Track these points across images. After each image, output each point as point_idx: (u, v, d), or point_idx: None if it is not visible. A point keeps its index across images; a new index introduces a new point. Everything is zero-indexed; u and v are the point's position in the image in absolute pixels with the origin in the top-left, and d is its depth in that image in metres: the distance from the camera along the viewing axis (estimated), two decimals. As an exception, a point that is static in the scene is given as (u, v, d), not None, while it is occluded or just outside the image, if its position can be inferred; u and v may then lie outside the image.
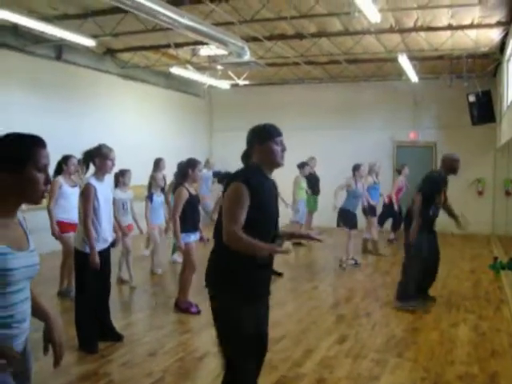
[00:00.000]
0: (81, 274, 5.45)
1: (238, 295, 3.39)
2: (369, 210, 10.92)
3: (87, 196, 5.38)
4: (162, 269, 9.36)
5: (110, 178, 5.80)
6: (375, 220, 11.35)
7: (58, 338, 2.46)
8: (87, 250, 5.36)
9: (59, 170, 7.62)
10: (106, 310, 5.77)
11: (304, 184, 12.09)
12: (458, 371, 4.98)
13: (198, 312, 6.78)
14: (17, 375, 2.31)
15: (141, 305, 7.55)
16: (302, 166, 12.04)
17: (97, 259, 5.33)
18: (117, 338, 5.73)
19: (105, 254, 5.55)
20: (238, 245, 3.29)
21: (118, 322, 6.19)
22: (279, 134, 3.56)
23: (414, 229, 6.89)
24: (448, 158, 7.29)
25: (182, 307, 6.88)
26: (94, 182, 5.45)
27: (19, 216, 2.43)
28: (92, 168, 5.62)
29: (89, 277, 5.39)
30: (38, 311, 2.51)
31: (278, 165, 3.54)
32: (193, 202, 6.81)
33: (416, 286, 7.12)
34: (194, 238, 6.89)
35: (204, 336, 5.97)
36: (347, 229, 9.93)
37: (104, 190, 5.56)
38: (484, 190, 14.72)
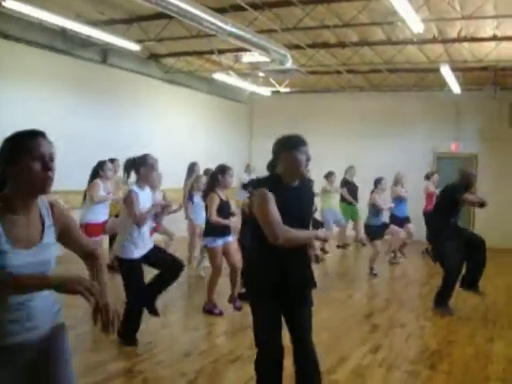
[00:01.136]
0: (128, 280, 5.60)
1: (260, 293, 3.65)
2: (401, 221, 10.91)
3: (132, 201, 5.48)
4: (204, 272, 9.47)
5: (148, 188, 5.92)
6: (411, 226, 11.26)
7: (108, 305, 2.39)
8: (127, 256, 5.50)
9: (95, 175, 7.83)
10: (161, 287, 5.85)
11: (333, 193, 12.01)
12: (493, 386, 4.93)
13: (220, 313, 6.88)
14: (31, 367, 2.35)
15: (178, 306, 7.64)
16: (329, 175, 12.00)
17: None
18: (154, 312, 5.85)
19: (150, 251, 5.70)
20: (291, 241, 3.54)
21: (154, 322, 6.29)
22: (304, 143, 3.67)
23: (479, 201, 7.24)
24: (466, 173, 7.42)
25: (206, 308, 6.99)
26: (136, 189, 5.58)
27: (42, 207, 2.45)
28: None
29: (136, 281, 5.56)
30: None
31: (301, 174, 3.67)
32: (222, 208, 6.88)
33: (451, 293, 7.29)
34: (220, 242, 6.93)
35: (238, 339, 6.03)
36: (375, 241, 10.01)
37: (145, 198, 5.67)
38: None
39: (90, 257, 2.70)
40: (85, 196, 8.18)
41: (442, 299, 7.36)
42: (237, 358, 5.41)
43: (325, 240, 3.81)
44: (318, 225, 10.78)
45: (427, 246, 12.56)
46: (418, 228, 11.78)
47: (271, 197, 3.48)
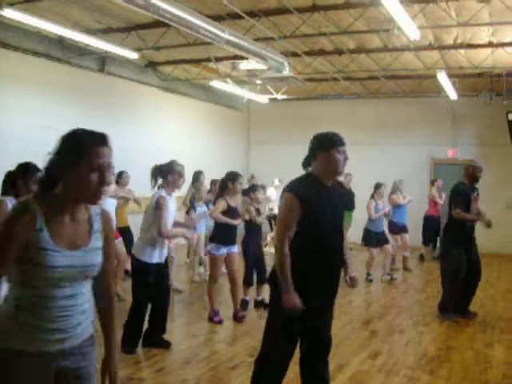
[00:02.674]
0: (137, 280, 5.68)
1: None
2: (399, 228, 10.92)
3: (162, 205, 5.52)
4: (199, 278, 9.47)
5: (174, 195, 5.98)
6: (407, 236, 11.27)
7: (114, 373, 2.49)
8: (143, 259, 5.54)
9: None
10: (163, 319, 5.88)
11: None
12: (492, 391, 4.94)
13: (220, 322, 6.89)
14: (59, 376, 2.31)
15: (177, 313, 7.65)
16: None
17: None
18: (165, 345, 5.85)
19: (162, 266, 5.73)
20: (277, 255, 3.54)
21: (153, 329, 6.33)
22: (342, 143, 3.63)
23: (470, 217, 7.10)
24: (471, 166, 7.29)
25: (208, 315, 7.01)
26: (165, 195, 5.63)
27: (93, 211, 2.40)
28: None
29: (145, 285, 5.59)
30: (103, 329, 2.56)
31: (339, 173, 3.65)
32: (229, 215, 6.89)
33: (453, 298, 7.25)
34: (224, 251, 6.95)
35: (238, 346, 6.05)
36: (372, 248, 10.04)
37: (171, 205, 5.73)
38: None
39: (103, 288, 2.55)
40: None
41: (446, 307, 7.33)
42: (237, 364, 5.42)
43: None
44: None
45: (424, 251, 12.64)
46: (414, 235, 11.84)
47: (296, 204, 3.47)
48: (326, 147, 3.58)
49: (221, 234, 6.91)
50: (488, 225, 7.29)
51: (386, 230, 10.61)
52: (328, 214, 3.58)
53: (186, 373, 5.15)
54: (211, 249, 6.96)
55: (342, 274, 3.81)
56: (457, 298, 7.31)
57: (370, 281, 9.99)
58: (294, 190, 3.55)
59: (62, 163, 2.23)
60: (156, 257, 5.61)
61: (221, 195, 6.97)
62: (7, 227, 2.20)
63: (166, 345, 5.84)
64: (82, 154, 2.20)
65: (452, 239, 7.22)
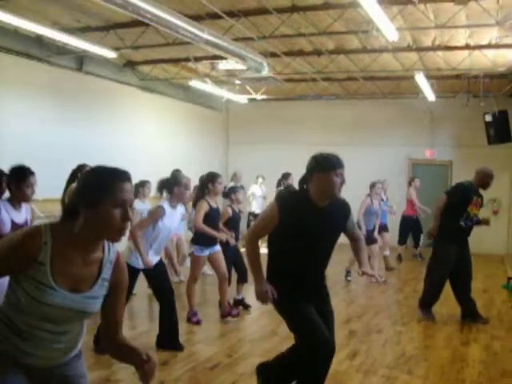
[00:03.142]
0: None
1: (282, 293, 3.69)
2: (380, 227, 10.96)
3: (154, 214, 5.59)
4: (178, 278, 9.43)
5: (181, 207, 5.97)
6: (388, 235, 11.36)
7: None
8: (132, 263, 5.54)
9: (73, 179, 7.66)
10: (171, 318, 5.87)
11: None
12: (468, 390, 4.99)
13: (198, 322, 6.90)
14: None
15: (156, 313, 7.58)
16: (284, 177, 11.26)
17: (149, 261, 5.58)
18: (177, 347, 5.83)
19: (155, 268, 5.74)
20: (247, 247, 3.73)
21: (128, 330, 6.34)
22: (341, 166, 3.64)
23: (433, 228, 7.09)
24: (482, 172, 7.24)
25: (187, 316, 7.00)
26: (167, 207, 5.66)
27: (107, 257, 2.32)
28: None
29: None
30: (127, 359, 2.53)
31: (333, 196, 3.63)
32: (211, 216, 6.88)
33: (434, 296, 7.30)
34: (207, 252, 6.95)
35: (216, 347, 6.05)
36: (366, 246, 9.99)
37: (174, 218, 5.80)
38: (499, 210, 14.67)
39: (110, 335, 2.50)
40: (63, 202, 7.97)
41: (427, 304, 7.38)
42: (215, 365, 5.41)
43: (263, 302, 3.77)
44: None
45: (400, 250, 12.73)
46: (392, 234, 11.92)
47: (274, 213, 3.56)
48: (323, 168, 3.59)
49: (203, 236, 6.88)
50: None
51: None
52: (314, 232, 3.62)
53: (164, 374, 5.12)
54: (194, 250, 6.95)
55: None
56: (462, 304, 7.33)
57: (349, 281, 10.03)
58: (281, 200, 3.64)
59: (83, 198, 2.19)
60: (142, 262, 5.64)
61: (201, 196, 6.95)
62: (8, 248, 2.14)
63: (180, 348, 5.82)
64: (105, 190, 2.16)
65: (446, 235, 7.13)
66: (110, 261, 2.33)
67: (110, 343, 2.50)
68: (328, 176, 3.55)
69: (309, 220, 3.58)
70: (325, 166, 3.59)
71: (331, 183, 3.55)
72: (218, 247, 7.11)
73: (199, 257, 6.92)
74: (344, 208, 3.81)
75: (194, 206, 7.25)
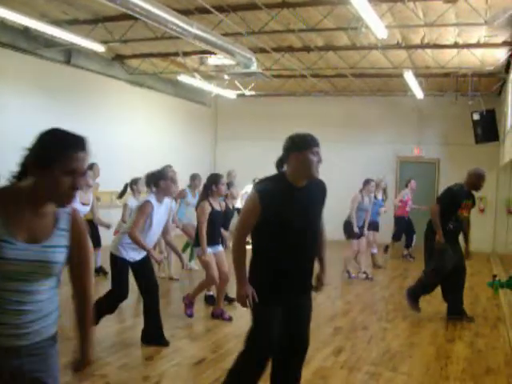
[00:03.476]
0: (114, 275, 5.78)
1: (261, 293, 3.58)
2: (372, 226, 11.00)
3: (143, 210, 5.55)
4: (165, 274, 9.41)
5: (168, 200, 5.93)
6: (377, 234, 11.41)
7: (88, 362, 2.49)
8: (120, 255, 5.62)
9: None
10: (156, 313, 5.85)
11: None
12: (452, 387, 5.01)
13: (190, 315, 6.90)
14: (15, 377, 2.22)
15: (141, 309, 7.57)
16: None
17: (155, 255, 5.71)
18: (162, 342, 5.80)
19: (141, 263, 5.75)
20: (234, 253, 3.63)
21: (114, 325, 6.34)
22: (317, 144, 3.60)
23: (439, 236, 7.02)
24: (474, 174, 7.17)
25: (184, 304, 6.98)
26: (153, 201, 5.63)
27: (61, 210, 2.31)
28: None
29: (121, 280, 5.67)
30: (78, 325, 2.48)
31: (311, 175, 3.56)
32: (214, 217, 6.89)
33: (425, 289, 7.34)
34: (209, 251, 6.91)
35: (201, 342, 6.04)
36: (354, 240, 10.00)
37: (161, 212, 5.75)
38: (486, 208, 14.75)
39: (79, 293, 2.48)
40: None
41: (416, 295, 7.38)
42: (199, 361, 5.40)
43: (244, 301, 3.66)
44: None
45: (389, 244, 12.78)
46: (387, 235, 11.97)
47: (256, 204, 3.48)
48: (299, 147, 3.54)
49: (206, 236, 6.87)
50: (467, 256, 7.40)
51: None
52: (296, 215, 3.54)
53: (149, 369, 5.11)
54: (198, 252, 6.94)
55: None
56: (450, 298, 7.35)
57: (368, 279, 10.09)
58: (260, 189, 3.54)
59: (35, 160, 2.17)
60: (132, 255, 5.65)
61: (205, 198, 6.94)
62: None
63: (165, 343, 5.79)
64: (58, 155, 2.14)
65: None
66: (65, 212, 2.33)
67: (76, 309, 2.49)
68: (305, 155, 3.50)
69: (293, 202, 3.54)
70: (301, 145, 3.54)
71: (308, 162, 3.50)
72: (220, 247, 7.16)
73: (206, 257, 6.90)
74: (321, 185, 3.75)
75: (197, 207, 7.20)
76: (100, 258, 9.05)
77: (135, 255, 5.70)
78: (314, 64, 12.11)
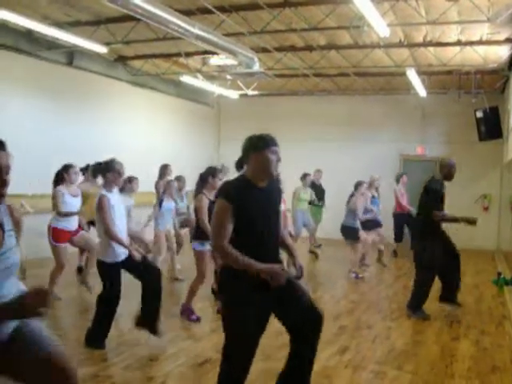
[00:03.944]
0: (105, 280, 5.63)
1: (238, 295, 3.56)
2: (373, 224, 10.99)
3: (103, 207, 5.50)
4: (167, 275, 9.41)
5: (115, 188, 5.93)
6: (382, 231, 11.40)
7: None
8: (108, 260, 5.55)
9: (61, 179, 7.51)
10: (155, 303, 5.81)
11: (305, 195, 11.93)
12: (458, 385, 4.99)
13: (198, 319, 6.85)
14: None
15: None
16: (303, 177, 11.87)
17: (136, 254, 5.59)
18: (155, 332, 5.80)
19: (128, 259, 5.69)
20: (227, 259, 3.53)
21: (120, 325, 6.28)
22: (275, 143, 3.63)
23: (454, 218, 7.17)
24: (448, 164, 7.27)
25: (184, 313, 6.94)
26: (105, 192, 5.61)
27: (0, 211, 2.33)
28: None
29: (116, 284, 5.60)
30: None
31: (270, 174, 3.61)
32: (211, 209, 6.82)
33: (425, 295, 7.25)
34: (208, 247, 6.87)
35: (205, 343, 6.02)
36: (356, 244, 10.05)
37: (116, 199, 5.71)
38: (490, 206, 14.72)
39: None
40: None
41: (417, 304, 7.31)
42: (204, 361, 5.40)
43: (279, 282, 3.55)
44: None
45: (395, 247, 12.76)
46: (388, 234, 11.95)
47: (227, 210, 3.46)
48: (258, 147, 3.58)
49: (202, 231, 6.83)
50: (471, 222, 7.28)
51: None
52: (261, 214, 3.59)
53: (153, 370, 5.11)
54: (195, 246, 6.91)
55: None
56: (442, 287, 7.39)
57: (361, 278, 10.07)
58: (225, 195, 3.53)
59: None
60: (122, 253, 5.62)
61: (200, 191, 6.91)
62: None
63: (156, 333, 5.79)
64: None
65: (426, 234, 7.15)
66: (3, 211, 2.34)
67: None
68: (263, 154, 3.54)
69: (257, 202, 3.56)
70: (260, 145, 3.58)
71: (267, 161, 3.54)
72: None
73: (201, 251, 6.85)
74: (278, 183, 3.82)
75: (195, 200, 7.17)
76: None
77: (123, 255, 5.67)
78: (316, 63, 12.10)
